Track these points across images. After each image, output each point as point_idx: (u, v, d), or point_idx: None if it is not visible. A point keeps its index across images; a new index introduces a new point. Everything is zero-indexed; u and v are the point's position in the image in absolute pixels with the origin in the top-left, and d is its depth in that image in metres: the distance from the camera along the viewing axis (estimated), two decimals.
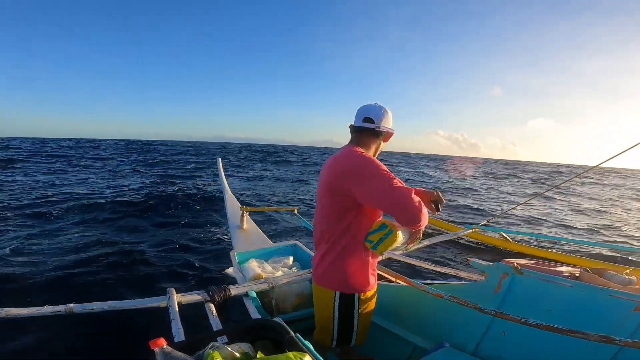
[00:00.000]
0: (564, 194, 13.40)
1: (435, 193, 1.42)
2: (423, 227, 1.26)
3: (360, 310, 1.39)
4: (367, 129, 1.37)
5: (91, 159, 19.22)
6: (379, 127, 1.35)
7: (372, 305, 1.47)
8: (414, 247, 1.44)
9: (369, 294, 1.41)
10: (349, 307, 1.37)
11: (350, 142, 1.40)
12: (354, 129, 1.40)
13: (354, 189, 1.23)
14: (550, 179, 22.80)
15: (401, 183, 1.20)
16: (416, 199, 1.18)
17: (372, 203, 1.24)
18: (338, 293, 1.36)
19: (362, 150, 1.32)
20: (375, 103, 1.39)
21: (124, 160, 19.41)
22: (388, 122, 1.39)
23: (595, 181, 22.87)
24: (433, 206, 1.42)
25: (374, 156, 1.41)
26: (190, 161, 20.72)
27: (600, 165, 2.31)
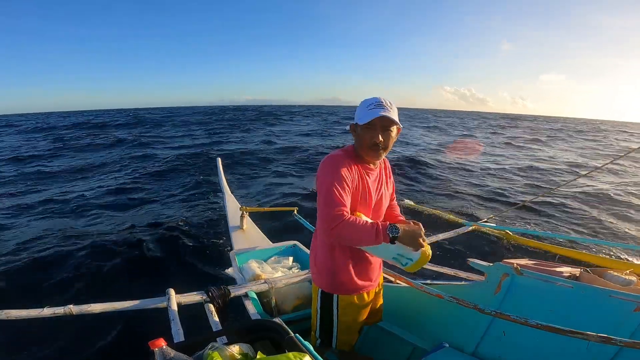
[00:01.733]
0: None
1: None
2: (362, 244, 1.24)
3: (340, 313, 1.36)
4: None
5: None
6: (354, 122, 1.31)
7: (358, 312, 1.41)
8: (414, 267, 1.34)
9: (353, 298, 1.37)
10: (328, 307, 1.37)
11: None
12: None
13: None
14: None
15: (342, 204, 1.14)
16: (348, 224, 1.11)
17: None
18: (320, 290, 1.38)
19: (344, 150, 1.31)
20: None
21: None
22: (358, 113, 1.27)
23: None
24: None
25: (363, 147, 1.27)
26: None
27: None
